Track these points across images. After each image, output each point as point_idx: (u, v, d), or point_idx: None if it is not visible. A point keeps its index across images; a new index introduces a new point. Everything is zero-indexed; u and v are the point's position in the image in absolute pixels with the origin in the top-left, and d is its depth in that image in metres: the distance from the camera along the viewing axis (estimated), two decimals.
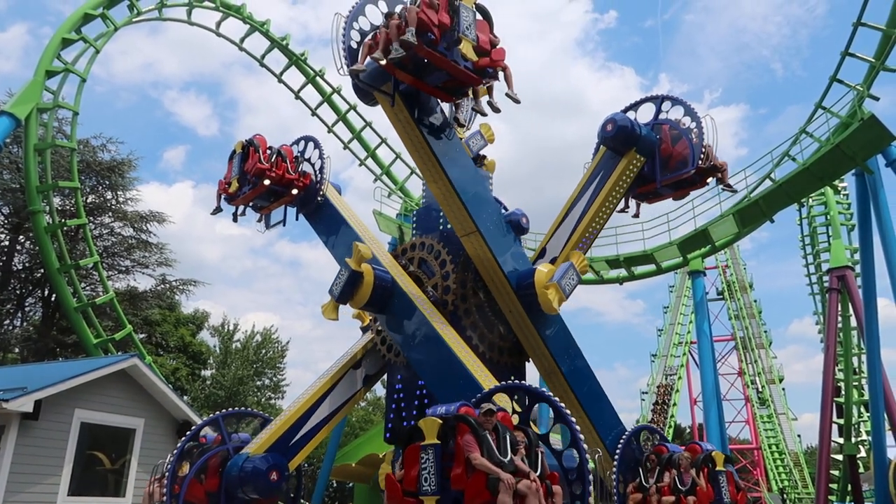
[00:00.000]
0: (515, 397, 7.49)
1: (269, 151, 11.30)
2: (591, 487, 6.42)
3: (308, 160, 11.69)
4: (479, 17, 8.88)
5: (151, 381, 14.64)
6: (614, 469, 9.19)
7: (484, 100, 9.32)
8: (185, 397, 31.44)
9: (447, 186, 9.44)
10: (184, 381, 34.01)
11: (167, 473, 9.70)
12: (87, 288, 26.54)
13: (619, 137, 10.57)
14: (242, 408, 14.43)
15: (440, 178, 9.45)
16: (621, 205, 11.55)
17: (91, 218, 27.67)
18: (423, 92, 9.08)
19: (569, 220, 10.73)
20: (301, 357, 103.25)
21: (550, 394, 7.09)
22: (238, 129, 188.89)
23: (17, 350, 29.31)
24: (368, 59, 8.65)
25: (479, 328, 9.84)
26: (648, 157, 10.83)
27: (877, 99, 17.90)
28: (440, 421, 6.49)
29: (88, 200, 28.48)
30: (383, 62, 8.31)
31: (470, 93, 9.21)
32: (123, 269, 29.62)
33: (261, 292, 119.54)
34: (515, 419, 7.09)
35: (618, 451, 9.30)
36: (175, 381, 32.19)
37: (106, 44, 21.19)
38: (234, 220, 12.09)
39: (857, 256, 23.68)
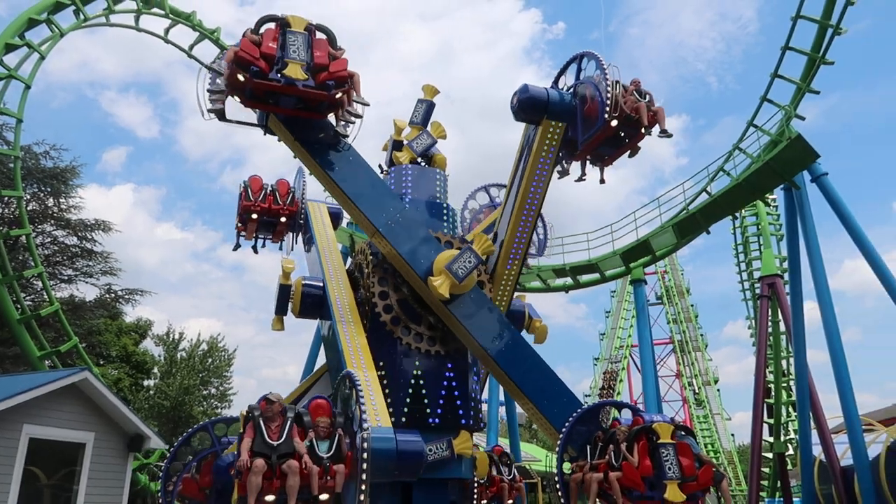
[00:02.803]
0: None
1: (263, 187, 12.46)
2: (365, 465, 6.84)
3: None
4: (321, 35, 9.46)
5: (102, 395, 14.48)
6: (556, 451, 8.99)
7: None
8: (129, 408, 30.73)
9: (341, 195, 9.94)
10: (126, 391, 33.13)
11: (162, 473, 10.46)
12: (28, 298, 25.74)
13: (524, 108, 10.13)
14: (190, 418, 14.73)
15: (333, 187, 9.97)
16: (577, 174, 11.04)
17: (32, 226, 26.82)
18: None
19: (509, 201, 10.70)
20: (244, 364, 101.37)
21: (356, 377, 7.46)
22: (180, 131, 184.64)
23: None
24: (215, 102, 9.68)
25: (403, 321, 9.98)
26: (569, 121, 10.21)
27: (803, 119, 18.65)
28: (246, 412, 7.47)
29: (29, 208, 27.59)
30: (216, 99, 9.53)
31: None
32: (66, 278, 28.72)
33: (202, 297, 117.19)
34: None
35: (563, 431, 9.00)
36: (118, 391, 31.40)
37: (51, 49, 20.76)
38: (255, 251, 13.04)
39: (786, 265, 24.69)
